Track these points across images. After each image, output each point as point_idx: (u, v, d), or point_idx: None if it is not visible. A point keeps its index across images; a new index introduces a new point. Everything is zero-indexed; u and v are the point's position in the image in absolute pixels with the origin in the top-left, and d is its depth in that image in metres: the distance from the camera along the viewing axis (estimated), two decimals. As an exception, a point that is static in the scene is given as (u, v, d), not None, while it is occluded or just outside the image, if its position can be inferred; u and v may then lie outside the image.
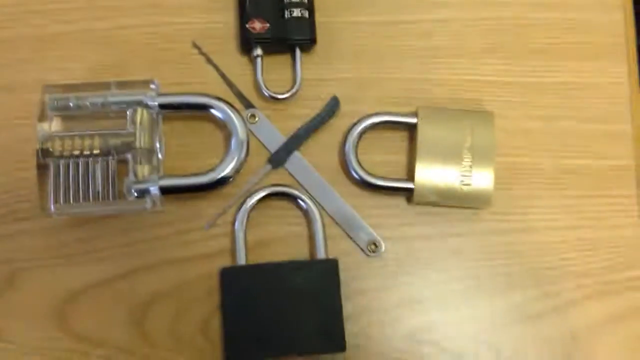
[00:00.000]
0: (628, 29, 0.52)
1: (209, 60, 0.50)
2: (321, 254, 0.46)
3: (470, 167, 0.47)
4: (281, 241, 0.48)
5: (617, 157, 0.50)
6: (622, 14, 0.52)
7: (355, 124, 0.48)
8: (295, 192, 0.47)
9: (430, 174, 0.47)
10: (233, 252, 0.47)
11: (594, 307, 0.48)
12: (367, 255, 0.48)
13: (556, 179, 0.49)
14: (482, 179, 0.47)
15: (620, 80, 0.51)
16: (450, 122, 0.47)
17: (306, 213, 0.48)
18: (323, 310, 0.45)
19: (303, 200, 0.47)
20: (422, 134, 0.47)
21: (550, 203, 0.49)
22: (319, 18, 0.50)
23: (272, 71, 0.50)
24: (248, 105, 0.49)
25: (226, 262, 0.47)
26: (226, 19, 0.51)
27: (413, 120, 0.48)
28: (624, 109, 0.51)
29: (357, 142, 0.48)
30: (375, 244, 0.48)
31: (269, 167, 0.48)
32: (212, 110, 0.47)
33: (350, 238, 0.48)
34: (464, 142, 0.47)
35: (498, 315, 0.47)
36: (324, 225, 0.47)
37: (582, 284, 0.48)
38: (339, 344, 0.45)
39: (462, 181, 0.47)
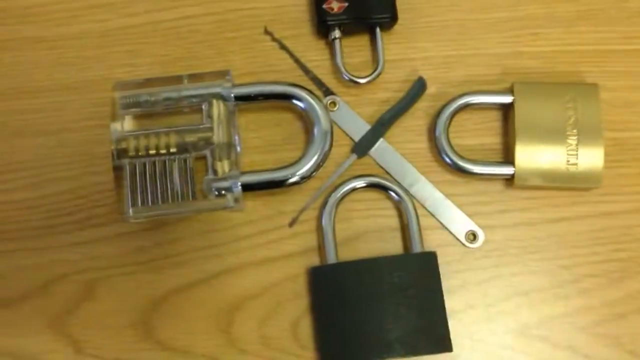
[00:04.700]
0: None
1: (283, 47, 0.47)
2: (417, 248, 0.43)
3: (577, 144, 0.43)
4: (372, 235, 0.44)
5: None
6: None
7: (445, 106, 0.45)
8: (387, 183, 0.44)
9: (532, 156, 0.43)
10: (321, 249, 0.44)
11: None
12: (466, 246, 0.44)
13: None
14: (590, 157, 0.42)
15: None
16: (550, 98, 0.43)
17: (398, 204, 0.44)
18: (424, 308, 0.41)
19: (394, 191, 0.44)
20: (520, 112, 0.43)
21: (664, 180, 0.45)
22: (398, -7, 0.46)
23: (350, 55, 0.47)
24: (327, 92, 0.46)
25: (314, 260, 0.44)
26: (298, 1, 0.47)
27: (508, 99, 0.44)
28: None
29: (448, 126, 0.44)
30: (473, 234, 0.44)
31: (354, 157, 0.45)
32: (294, 100, 0.44)
33: (447, 229, 0.44)
34: (567, 119, 0.43)
35: (614, 305, 0.43)
36: (417, 217, 0.44)
37: None
38: (445, 345, 0.41)
39: (568, 161, 0.43)
